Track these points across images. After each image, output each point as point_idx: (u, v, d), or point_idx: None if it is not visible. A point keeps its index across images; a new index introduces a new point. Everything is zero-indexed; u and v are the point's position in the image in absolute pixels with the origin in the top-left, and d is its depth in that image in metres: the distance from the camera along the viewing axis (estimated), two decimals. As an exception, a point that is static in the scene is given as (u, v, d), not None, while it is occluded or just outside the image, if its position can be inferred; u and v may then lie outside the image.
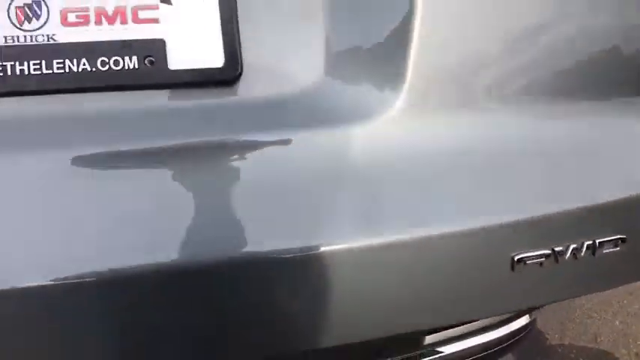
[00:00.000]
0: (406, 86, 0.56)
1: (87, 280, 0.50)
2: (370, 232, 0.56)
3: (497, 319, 1.11)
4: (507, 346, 1.15)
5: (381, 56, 0.56)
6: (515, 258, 0.60)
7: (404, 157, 0.58)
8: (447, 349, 1.08)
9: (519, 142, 0.61)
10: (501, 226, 0.59)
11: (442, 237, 0.57)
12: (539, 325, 1.85)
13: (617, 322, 1.91)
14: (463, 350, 1.08)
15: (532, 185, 0.60)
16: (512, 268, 0.60)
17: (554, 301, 0.73)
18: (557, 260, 0.62)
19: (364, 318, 0.59)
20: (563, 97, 0.62)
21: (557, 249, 0.62)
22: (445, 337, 1.07)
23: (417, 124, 0.57)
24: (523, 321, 1.18)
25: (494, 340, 1.12)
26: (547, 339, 1.83)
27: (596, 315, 1.88)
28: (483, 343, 1.10)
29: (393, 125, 0.57)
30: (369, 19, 0.56)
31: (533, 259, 0.61)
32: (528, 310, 1.18)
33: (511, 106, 0.60)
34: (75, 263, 0.50)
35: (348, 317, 0.59)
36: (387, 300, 0.60)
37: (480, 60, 0.57)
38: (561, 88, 0.62)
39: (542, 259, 0.61)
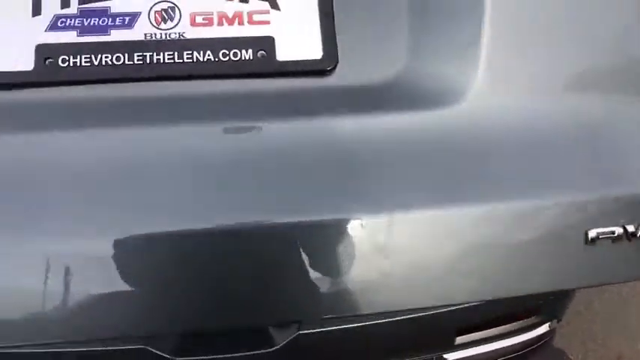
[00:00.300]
0: (480, 73, 0.64)
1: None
2: (455, 204, 0.63)
3: (515, 325, 1.09)
4: (523, 354, 1.13)
5: (459, 46, 0.64)
6: (589, 233, 0.64)
7: (479, 137, 0.65)
8: (465, 354, 1.07)
9: (589, 126, 0.66)
10: (577, 202, 0.64)
11: (523, 209, 0.63)
12: (562, 345, 1.86)
13: (640, 346, 1.92)
14: (480, 355, 1.08)
15: (606, 166, 0.66)
16: (586, 242, 0.64)
17: (625, 280, 0.75)
18: (629, 239, 0.65)
19: (445, 284, 0.65)
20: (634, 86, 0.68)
21: (629, 228, 0.65)
22: (460, 342, 1.06)
23: (493, 107, 0.64)
24: (542, 330, 1.16)
25: (510, 346, 1.10)
26: (570, 359, 1.83)
27: (618, 336, 1.89)
28: (499, 349, 1.09)
29: (470, 108, 0.64)
30: (446, 12, 0.66)
31: (605, 235, 0.64)
32: (551, 318, 1.21)
33: (584, 92, 0.66)
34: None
35: (431, 280, 0.65)
36: (462, 267, 0.66)
37: (548, 51, 0.65)
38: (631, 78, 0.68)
39: (614, 236, 0.65)
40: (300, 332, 0.92)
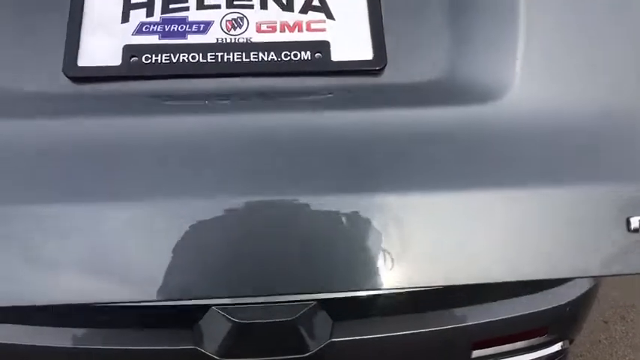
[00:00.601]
0: (519, 71, 0.69)
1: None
2: (495, 189, 0.67)
3: (528, 342, 1.12)
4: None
5: (498, 46, 0.70)
6: (631, 221, 0.66)
7: (521, 130, 0.69)
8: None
9: (627, 119, 0.70)
10: (620, 191, 0.67)
11: (564, 196, 0.66)
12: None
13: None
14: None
15: None
16: (629, 229, 0.66)
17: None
18: None
19: (493, 261, 0.67)
20: None
21: None
22: (475, 356, 1.08)
23: (533, 103, 0.69)
24: (554, 348, 1.17)
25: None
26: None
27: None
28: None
29: (510, 104, 0.69)
30: (485, 14, 0.73)
31: None
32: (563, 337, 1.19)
33: (621, 86, 0.70)
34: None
35: (479, 256, 0.67)
36: (504, 246, 0.69)
37: (582, 49, 0.70)
38: None
39: None
40: (332, 340, 0.98)
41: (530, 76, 0.71)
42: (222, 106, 0.70)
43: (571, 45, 0.71)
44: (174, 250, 0.62)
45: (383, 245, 0.65)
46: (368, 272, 0.65)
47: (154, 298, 0.61)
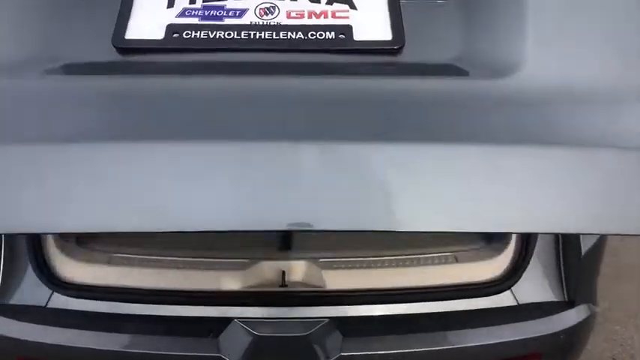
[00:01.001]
0: (528, 53, 0.74)
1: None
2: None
3: None
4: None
5: (508, 28, 0.76)
6: None
7: (529, 103, 0.73)
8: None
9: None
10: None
11: (578, 156, 0.69)
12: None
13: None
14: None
15: None
16: None
17: None
18: None
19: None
20: None
21: None
22: None
23: (540, 79, 0.73)
24: None
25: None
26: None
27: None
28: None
29: (519, 81, 0.73)
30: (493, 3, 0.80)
31: None
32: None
33: (623, 59, 0.75)
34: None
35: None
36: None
37: (584, 27, 0.76)
38: None
39: None
40: (341, 354, 1.02)
41: (539, 53, 0.75)
42: (248, 73, 0.76)
43: (576, 24, 0.76)
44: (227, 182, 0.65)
45: (423, 189, 0.67)
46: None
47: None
